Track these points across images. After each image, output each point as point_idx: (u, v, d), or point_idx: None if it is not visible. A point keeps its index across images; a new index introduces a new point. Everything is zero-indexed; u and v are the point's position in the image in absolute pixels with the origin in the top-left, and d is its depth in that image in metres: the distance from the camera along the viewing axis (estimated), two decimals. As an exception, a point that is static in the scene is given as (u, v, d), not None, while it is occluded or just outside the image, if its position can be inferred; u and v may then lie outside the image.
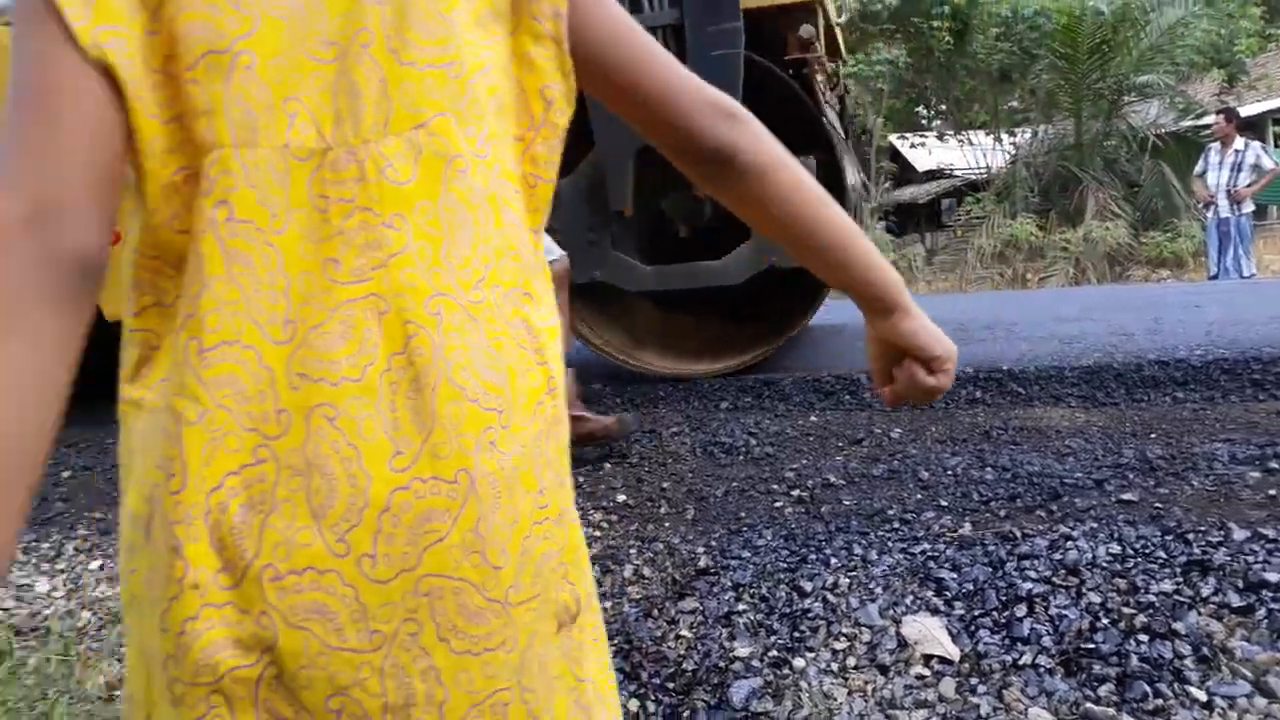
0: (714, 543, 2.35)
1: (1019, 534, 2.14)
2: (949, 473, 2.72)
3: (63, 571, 2.64)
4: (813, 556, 2.18)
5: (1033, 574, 1.95)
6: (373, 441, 0.60)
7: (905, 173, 19.67)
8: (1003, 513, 2.37)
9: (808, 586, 2.04)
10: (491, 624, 0.63)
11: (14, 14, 0.61)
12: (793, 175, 0.79)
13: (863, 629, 1.86)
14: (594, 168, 3.45)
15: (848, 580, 2.05)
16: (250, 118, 0.60)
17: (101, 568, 2.63)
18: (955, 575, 1.99)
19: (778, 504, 2.62)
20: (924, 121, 20.76)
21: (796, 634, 1.88)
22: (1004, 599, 1.88)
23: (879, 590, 1.99)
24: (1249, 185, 8.72)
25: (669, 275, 3.58)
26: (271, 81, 0.60)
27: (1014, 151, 15.83)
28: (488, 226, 0.65)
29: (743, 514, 2.56)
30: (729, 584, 2.10)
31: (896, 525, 2.34)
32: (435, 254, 0.62)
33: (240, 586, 0.59)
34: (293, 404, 0.59)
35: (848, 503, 2.56)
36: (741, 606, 2.01)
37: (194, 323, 0.60)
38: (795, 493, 2.70)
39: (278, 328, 0.60)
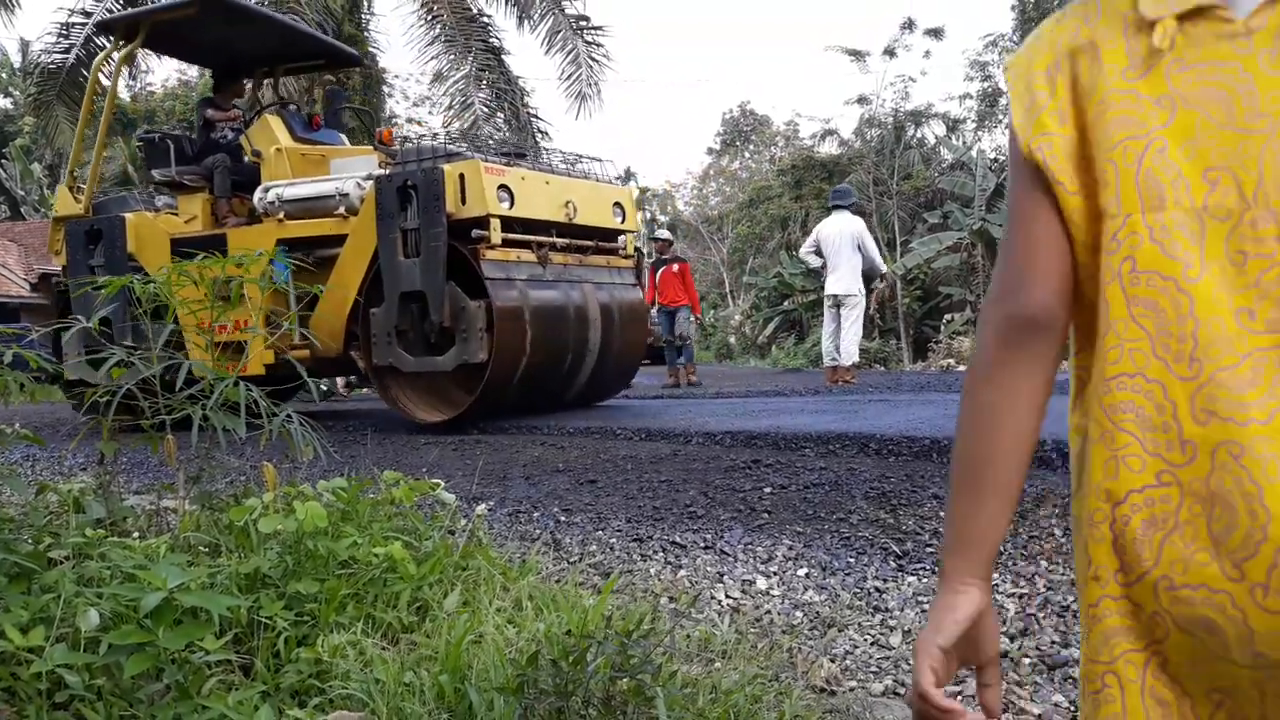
0: None
1: None
2: None
3: (775, 574, 3.05)
4: None
5: None
6: (1275, 482, 0.63)
7: None
8: None
9: None
10: None
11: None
12: None
13: None
14: (390, 300, 6.30)
15: None
16: (1157, 188, 0.69)
17: (808, 575, 2.98)
18: None
19: None
20: None
21: None
22: None
23: None
24: None
25: (418, 362, 6.39)
26: (1181, 160, 0.69)
27: None
28: None
29: None
30: None
31: None
32: None
33: (1134, 587, 0.69)
34: (1198, 436, 0.66)
35: None
36: None
37: (1099, 357, 0.72)
38: None
39: (1184, 365, 0.67)
